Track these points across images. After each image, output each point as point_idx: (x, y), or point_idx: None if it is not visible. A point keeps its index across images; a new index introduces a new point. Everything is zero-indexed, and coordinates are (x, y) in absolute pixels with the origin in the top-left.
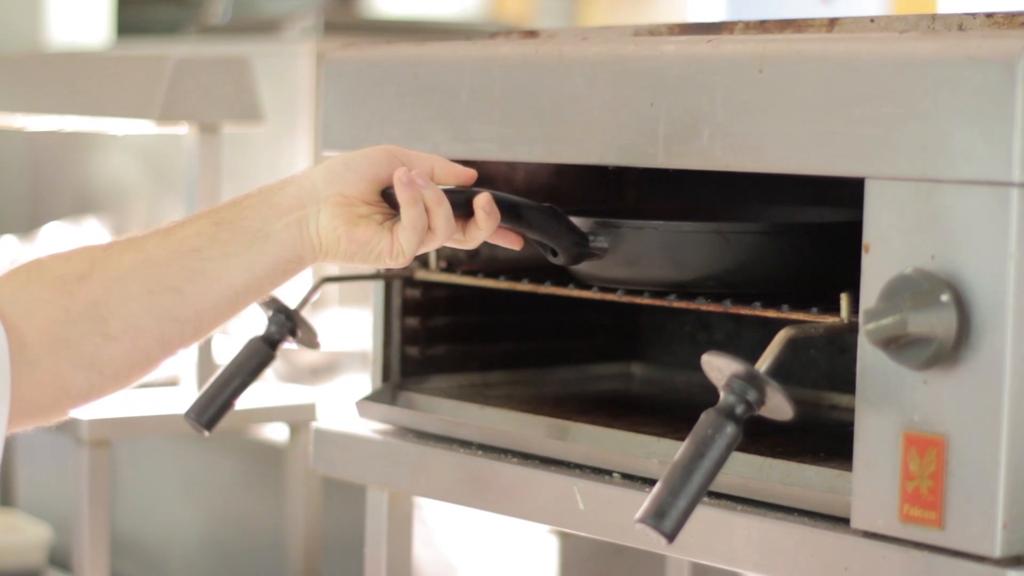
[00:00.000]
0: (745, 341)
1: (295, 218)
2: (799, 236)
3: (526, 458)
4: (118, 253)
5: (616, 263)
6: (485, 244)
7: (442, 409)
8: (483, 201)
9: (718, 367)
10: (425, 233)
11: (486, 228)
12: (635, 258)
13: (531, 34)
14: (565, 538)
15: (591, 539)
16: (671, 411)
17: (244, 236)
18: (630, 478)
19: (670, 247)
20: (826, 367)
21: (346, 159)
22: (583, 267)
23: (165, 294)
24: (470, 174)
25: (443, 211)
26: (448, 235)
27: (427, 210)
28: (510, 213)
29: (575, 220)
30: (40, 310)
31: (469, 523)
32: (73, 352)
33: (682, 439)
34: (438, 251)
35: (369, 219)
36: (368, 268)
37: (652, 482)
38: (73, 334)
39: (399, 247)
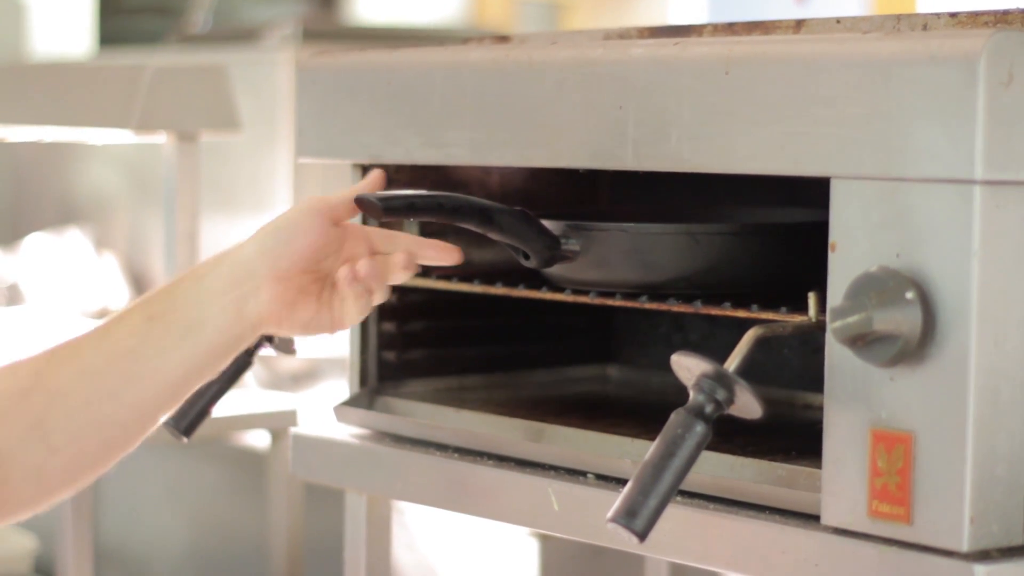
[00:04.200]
0: (720, 342)
1: (232, 299)
2: (769, 236)
3: (502, 460)
4: (58, 364)
5: (588, 265)
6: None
7: (419, 413)
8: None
9: (687, 367)
10: (368, 307)
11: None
12: (607, 260)
13: (503, 39)
14: (545, 540)
15: (571, 541)
16: (646, 412)
17: (177, 328)
18: (604, 479)
19: (641, 249)
20: (799, 366)
21: (277, 229)
22: (556, 270)
23: (105, 403)
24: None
25: (383, 284)
26: (386, 296)
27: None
28: (481, 217)
29: (547, 223)
30: None
31: (450, 526)
32: (17, 466)
33: (655, 439)
34: None
35: (307, 295)
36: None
37: (626, 482)
38: (17, 450)
39: (340, 322)
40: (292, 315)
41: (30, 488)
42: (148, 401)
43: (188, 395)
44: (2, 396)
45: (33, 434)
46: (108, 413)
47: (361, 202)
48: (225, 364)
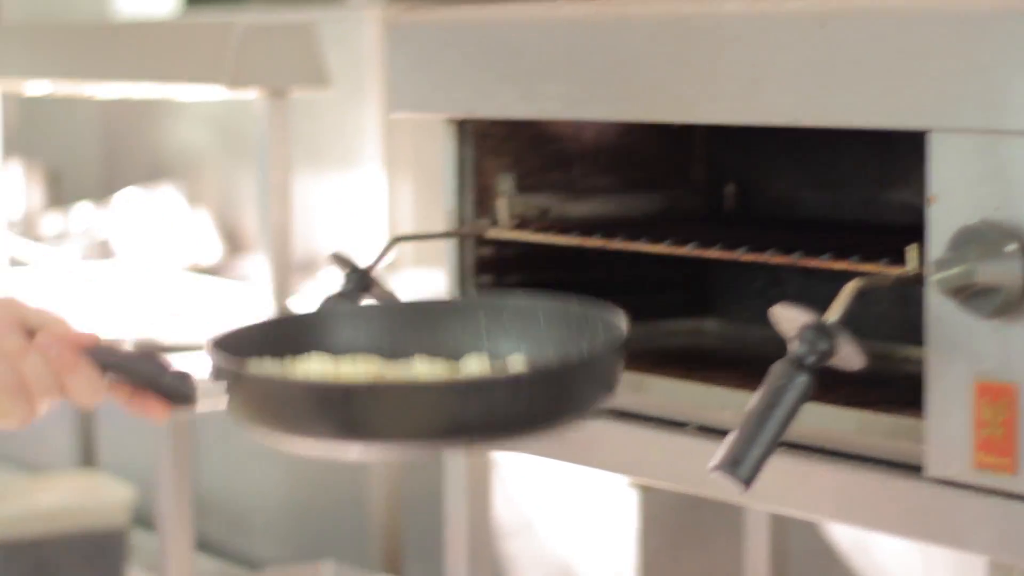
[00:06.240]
0: (815, 295)
1: None
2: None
3: (601, 411)
4: None
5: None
6: (555, 200)
7: None
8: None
9: (789, 318)
10: (20, 393)
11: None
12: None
13: None
14: (645, 492)
15: (671, 492)
16: (745, 365)
17: None
18: (706, 430)
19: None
20: (895, 320)
21: None
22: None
23: None
24: (89, 338)
25: (30, 363)
26: (48, 390)
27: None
28: (107, 367)
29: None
30: None
31: (548, 480)
32: None
33: (755, 391)
34: (511, 208)
35: None
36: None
37: (727, 433)
38: None
39: None
40: None
41: None
42: None
43: None
44: None
45: None
46: None
47: None
48: None
